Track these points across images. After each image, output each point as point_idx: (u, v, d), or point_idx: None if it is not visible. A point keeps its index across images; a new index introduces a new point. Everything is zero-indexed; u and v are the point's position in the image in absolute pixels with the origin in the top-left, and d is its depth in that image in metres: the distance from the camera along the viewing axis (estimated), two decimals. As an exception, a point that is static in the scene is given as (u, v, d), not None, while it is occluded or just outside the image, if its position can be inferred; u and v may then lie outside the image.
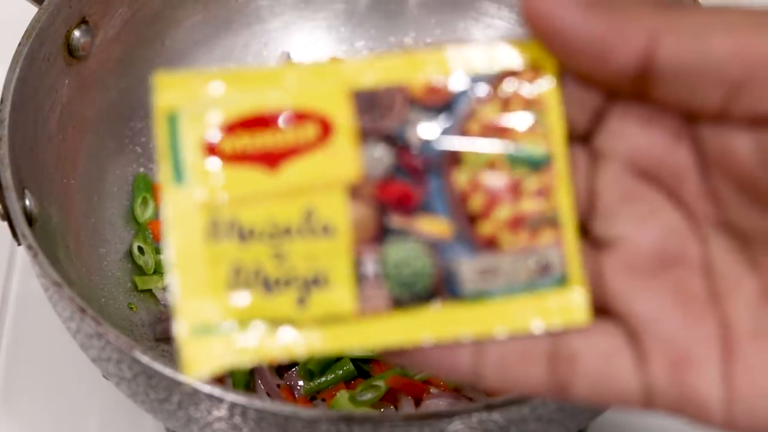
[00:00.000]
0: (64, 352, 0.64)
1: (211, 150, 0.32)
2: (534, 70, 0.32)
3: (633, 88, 0.31)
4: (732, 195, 0.31)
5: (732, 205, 0.31)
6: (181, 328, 0.32)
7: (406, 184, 0.33)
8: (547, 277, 0.33)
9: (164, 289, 0.68)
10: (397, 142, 0.32)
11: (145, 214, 0.70)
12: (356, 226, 0.32)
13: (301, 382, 0.63)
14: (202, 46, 0.74)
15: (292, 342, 0.32)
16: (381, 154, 0.32)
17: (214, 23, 0.74)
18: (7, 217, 0.55)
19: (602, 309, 0.33)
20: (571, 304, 0.32)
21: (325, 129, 0.32)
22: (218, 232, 0.32)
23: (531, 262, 0.33)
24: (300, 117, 0.32)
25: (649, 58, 0.30)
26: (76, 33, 0.64)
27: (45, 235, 0.57)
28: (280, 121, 0.32)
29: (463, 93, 0.33)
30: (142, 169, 0.71)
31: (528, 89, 0.32)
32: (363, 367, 0.63)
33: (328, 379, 0.62)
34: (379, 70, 0.32)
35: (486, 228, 0.33)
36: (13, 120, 0.57)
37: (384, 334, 0.32)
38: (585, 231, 0.33)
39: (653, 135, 0.31)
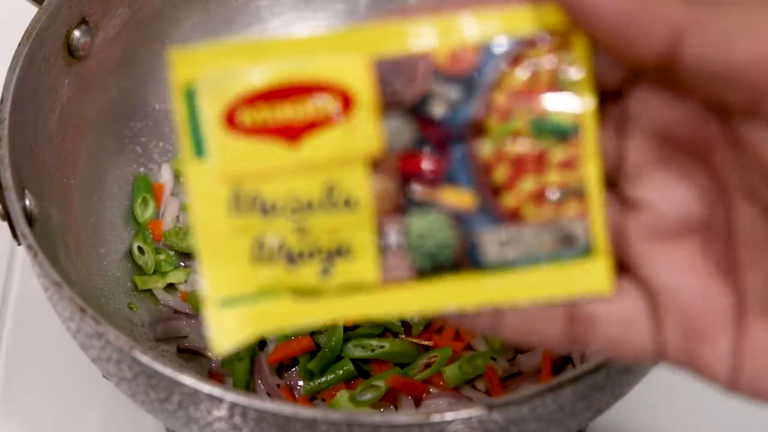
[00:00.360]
0: (64, 352, 0.64)
1: (231, 123, 0.31)
2: (562, 36, 0.31)
3: (659, 74, 0.30)
4: (759, 171, 0.30)
5: (759, 179, 0.30)
6: (207, 301, 0.32)
7: (429, 155, 0.32)
8: (570, 248, 0.32)
9: (164, 289, 0.68)
10: (419, 112, 0.32)
11: (145, 214, 0.70)
12: (378, 199, 0.32)
13: (301, 382, 0.63)
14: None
15: (317, 310, 0.32)
16: (403, 126, 0.32)
17: (214, 23, 0.74)
18: (7, 217, 0.55)
19: (622, 267, 0.33)
20: (594, 275, 0.32)
21: (347, 102, 0.32)
22: (240, 206, 0.32)
23: (555, 233, 0.32)
24: (321, 89, 0.31)
25: (673, 55, 0.29)
26: (76, 33, 0.64)
27: (45, 235, 0.57)
28: (300, 94, 0.31)
29: (489, 61, 0.32)
30: (142, 169, 0.71)
31: (556, 56, 0.32)
32: (363, 367, 0.63)
33: (328, 379, 0.62)
34: (401, 38, 0.32)
35: (510, 200, 0.32)
36: (13, 120, 0.57)
37: (406, 302, 0.32)
38: (612, 186, 0.33)
39: (684, 108, 0.31)
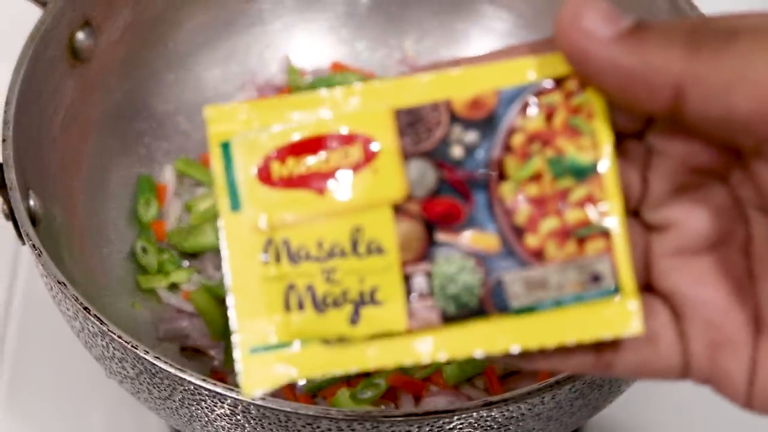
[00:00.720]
0: (68, 351, 0.65)
1: (264, 176, 0.33)
2: (578, 79, 0.32)
3: (670, 121, 0.31)
4: None
5: None
6: (239, 348, 0.33)
7: (451, 200, 0.33)
8: (597, 287, 0.32)
9: (167, 288, 0.68)
10: (441, 158, 0.33)
11: (148, 215, 0.70)
12: (404, 244, 0.33)
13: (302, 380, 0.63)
14: (205, 48, 0.74)
15: (347, 358, 0.33)
16: (425, 171, 0.33)
17: (217, 25, 0.74)
18: (12, 217, 0.55)
19: (646, 286, 0.33)
20: (623, 315, 0.32)
21: (370, 150, 0.33)
22: (272, 255, 0.33)
23: (580, 273, 0.32)
24: (345, 139, 0.33)
25: (678, 108, 0.30)
26: (80, 35, 0.65)
27: (49, 235, 0.57)
28: (327, 144, 0.33)
29: (506, 106, 0.32)
30: (145, 170, 0.72)
31: (572, 99, 0.32)
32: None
33: (329, 376, 0.62)
34: (419, 88, 0.33)
35: (533, 240, 0.32)
36: (17, 121, 0.57)
37: (435, 348, 0.33)
38: (634, 214, 0.33)
39: (700, 143, 0.31)
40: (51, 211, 0.60)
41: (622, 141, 0.33)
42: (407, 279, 0.33)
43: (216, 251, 0.70)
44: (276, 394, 0.63)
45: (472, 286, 0.33)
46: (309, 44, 0.76)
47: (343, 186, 0.33)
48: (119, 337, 0.50)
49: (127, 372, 0.52)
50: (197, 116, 0.73)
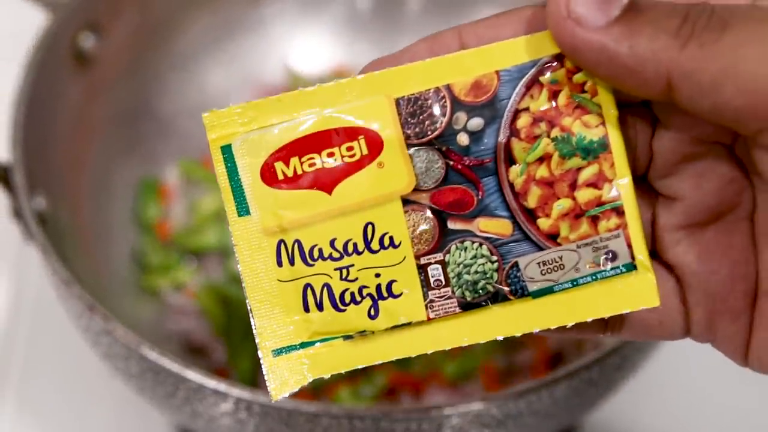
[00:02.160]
0: (75, 349, 0.65)
1: (269, 177, 0.32)
2: None
3: (667, 103, 0.31)
4: None
5: None
6: (261, 352, 0.33)
7: (460, 188, 0.32)
8: (613, 264, 0.32)
9: (170, 287, 0.69)
10: (446, 146, 0.32)
11: (152, 215, 0.70)
12: (417, 235, 0.32)
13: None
14: (208, 51, 0.74)
15: (369, 352, 0.33)
16: (432, 161, 0.32)
17: (220, 29, 0.75)
18: (20, 217, 0.56)
19: (652, 252, 0.33)
20: (640, 289, 0.32)
21: (374, 143, 0.32)
22: (286, 257, 0.32)
23: (596, 252, 0.32)
24: (347, 134, 0.32)
25: (670, 97, 0.30)
26: (86, 39, 0.65)
27: (55, 235, 0.57)
28: (329, 140, 0.32)
29: (508, 86, 0.32)
30: (149, 171, 0.72)
31: (575, 75, 0.32)
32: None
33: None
34: (418, 75, 0.32)
35: (546, 223, 0.32)
36: (25, 124, 0.58)
37: (455, 336, 0.33)
38: (640, 180, 0.33)
39: (700, 120, 0.31)
40: (57, 211, 0.60)
41: (629, 109, 0.32)
42: (423, 270, 0.32)
43: (219, 251, 0.70)
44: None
45: (487, 273, 0.32)
46: (310, 47, 0.77)
47: (350, 183, 0.32)
48: (124, 335, 0.51)
49: (132, 370, 0.52)
50: (200, 118, 0.73)
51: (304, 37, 0.76)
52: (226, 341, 0.66)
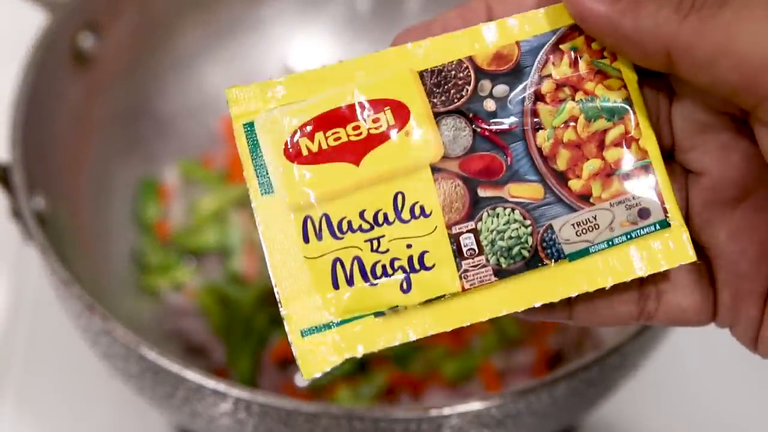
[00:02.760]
0: (75, 349, 0.65)
1: (293, 153, 0.32)
2: None
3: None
4: None
5: None
6: (291, 332, 0.32)
7: (489, 154, 0.32)
8: (646, 222, 0.32)
9: (170, 287, 0.69)
10: (473, 113, 0.32)
11: (151, 215, 0.71)
12: (447, 204, 0.32)
13: (303, 378, 0.64)
14: (208, 50, 0.75)
15: (403, 327, 0.32)
16: (459, 129, 0.32)
17: (220, 28, 0.75)
18: (19, 217, 0.56)
19: None
20: (675, 245, 0.32)
21: (401, 114, 0.32)
22: (313, 232, 0.32)
23: (629, 209, 0.32)
24: (373, 106, 0.32)
25: (672, 69, 0.30)
26: (85, 39, 0.65)
27: (55, 235, 0.57)
28: (355, 114, 0.32)
29: (530, 54, 0.32)
30: (148, 171, 0.72)
31: (593, 42, 0.32)
32: (363, 362, 0.64)
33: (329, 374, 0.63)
34: (440, 49, 0.32)
35: (577, 184, 0.32)
36: (24, 124, 0.58)
37: (492, 306, 0.32)
38: (669, 157, 0.33)
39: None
40: (56, 211, 0.60)
41: (647, 79, 0.33)
42: (455, 239, 0.32)
43: (218, 251, 0.70)
44: (278, 391, 0.63)
45: (522, 237, 0.32)
46: (310, 47, 0.77)
47: (378, 153, 0.32)
48: (123, 335, 0.51)
49: (131, 370, 0.52)
50: (200, 118, 0.73)
51: (304, 37, 0.76)
52: (226, 341, 0.66)
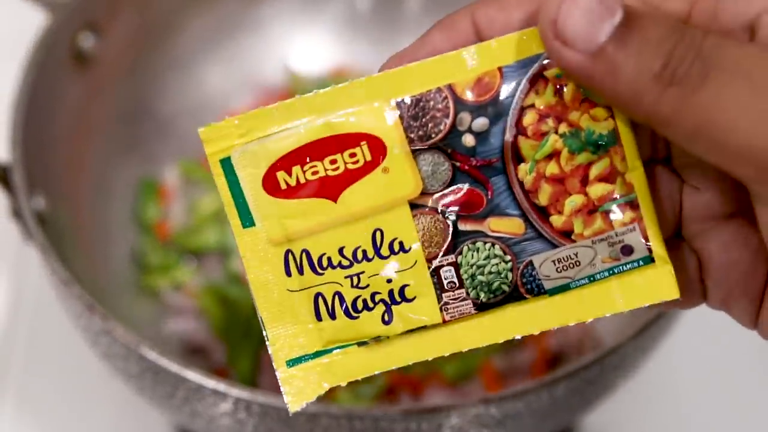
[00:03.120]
0: (76, 349, 0.65)
1: (272, 187, 0.32)
2: None
3: None
4: None
5: None
6: (276, 364, 0.32)
7: (469, 188, 0.32)
8: (629, 258, 0.32)
9: (170, 287, 0.69)
10: (452, 148, 0.31)
11: (151, 215, 0.71)
12: (427, 239, 0.32)
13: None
14: (208, 51, 0.75)
15: (385, 357, 0.32)
16: (438, 164, 0.31)
17: (219, 29, 0.75)
18: (20, 217, 0.56)
19: (677, 234, 0.33)
20: (659, 282, 0.32)
21: (377, 148, 0.31)
22: (294, 267, 0.32)
23: (611, 247, 0.32)
24: (350, 141, 0.31)
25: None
26: (85, 39, 0.65)
27: (55, 235, 0.57)
28: (331, 147, 0.31)
29: (511, 83, 0.31)
30: (148, 171, 0.72)
31: None
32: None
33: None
34: (418, 76, 0.31)
35: (559, 220, 0.32)
36: (24, 124, 0.58)
37: (472, 337, 0.32)
38: (665, 162, 0.33)
39: None
40: (56, 211, 0.60)
41: None
42: (436, 272, 0.32)
43: (218, 251, 0.70)
44: (278, 391, 0.63)
45: (502, 273, 0.32)
46: (310, 47, 0.77)
47: (355, 189, 0.31)
48: (123, 335, 0.51)
49: (131, 370, 0.52)
50: (200, 118, 0.73)
51: (304, 37, 0.77)
52: (226, 341, 0.66)
